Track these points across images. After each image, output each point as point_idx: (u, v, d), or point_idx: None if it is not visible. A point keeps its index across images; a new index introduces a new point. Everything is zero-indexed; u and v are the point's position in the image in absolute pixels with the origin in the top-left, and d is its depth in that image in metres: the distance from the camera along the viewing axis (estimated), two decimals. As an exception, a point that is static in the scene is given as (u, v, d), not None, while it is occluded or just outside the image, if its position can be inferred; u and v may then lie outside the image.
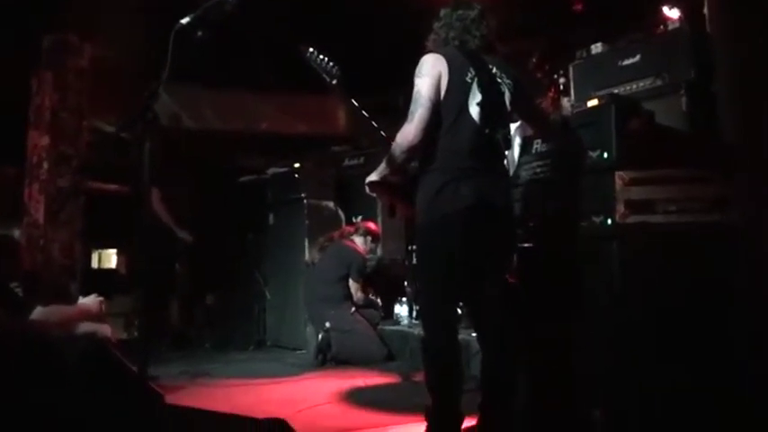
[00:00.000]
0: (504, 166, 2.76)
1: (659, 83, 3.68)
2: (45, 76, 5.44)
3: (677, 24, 3.80)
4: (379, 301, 5.55)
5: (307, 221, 5.81)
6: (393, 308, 5.56)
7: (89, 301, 3.46)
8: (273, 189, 6.27)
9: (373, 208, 5.70)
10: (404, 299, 5.50)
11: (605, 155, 2.71)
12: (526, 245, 3.00)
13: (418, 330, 3.98)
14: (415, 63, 2.62)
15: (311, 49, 2.87)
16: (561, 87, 4.56)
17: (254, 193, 6.43)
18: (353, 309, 5.19)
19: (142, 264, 3.24)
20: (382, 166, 2.69)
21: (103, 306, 3.48)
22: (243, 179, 6.75)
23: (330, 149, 6.70)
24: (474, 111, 2.57)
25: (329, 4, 5.46)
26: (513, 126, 2.94)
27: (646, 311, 2.59)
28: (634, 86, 3.78)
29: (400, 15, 4.72)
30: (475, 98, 2.57)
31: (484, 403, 2.61)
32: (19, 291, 3.27)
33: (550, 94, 4.70)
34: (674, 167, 2.69)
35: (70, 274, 5.31)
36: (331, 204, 6.03)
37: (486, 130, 2.57)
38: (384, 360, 4.97)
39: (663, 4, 4.21)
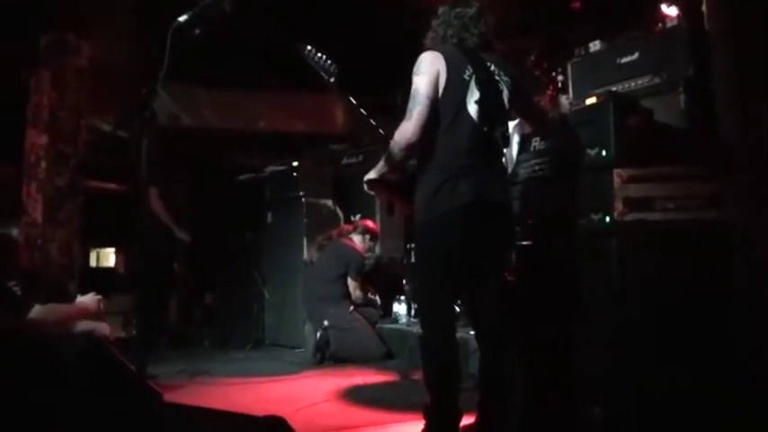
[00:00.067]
0: (502, 163, 2.76)
1: (657, 80, 3.67)
2: (43, 74, 5.42)
3: (675, 22, 3.79)
4: (377, 299, 5.56)
5: (305, 220, 5.81)
6: (391, 306, 5.58)
7: (87, 299, 3.45)
8: (272, 187, 6.27)
9: (372, 206, 5.70)
10: (402, 297, 5.51)
11: (603, 152, 2.70)
12: (525, 242, 3.00)
13: (417, 329, 3.99)
14: (414, 62, 2.62)
15: (309, 48, 2.87)
16: (559, 85, 4.55)
17: (253, 191, 6.43)
18: (352, 307, 5.20)
19: (140, 262, 3.24)
20: (381, 164, 2.68)
21: (102, 305, 3.47)
22: (241, 178, 6.75)
23: (328, 148, 6.70)
24: (472, 109, 2.56)
25: (329, 3, 5.45)
26: (512, 124, 2.94)
27: (645, 309, 2.59)
28: (632, 84, 3.77)
29: (400, 15, 4.70)
30: (473, 96, 2.57)
31: (482, 401, 2.61)
32: (17, 289, 3.27)
33: (549, 92, 4.69)
34: (673, 165, 2.69)
35: (68, 272, 5.30)
36: (329, 203, 6.03)
37: (485, 128, 2.56)
38: (382, 358, 4.97)
39: (661, 2, 4.20)
